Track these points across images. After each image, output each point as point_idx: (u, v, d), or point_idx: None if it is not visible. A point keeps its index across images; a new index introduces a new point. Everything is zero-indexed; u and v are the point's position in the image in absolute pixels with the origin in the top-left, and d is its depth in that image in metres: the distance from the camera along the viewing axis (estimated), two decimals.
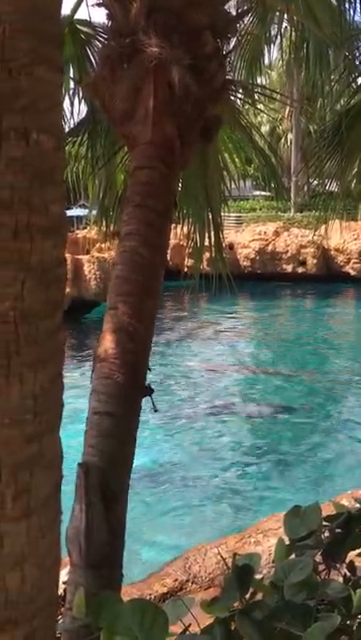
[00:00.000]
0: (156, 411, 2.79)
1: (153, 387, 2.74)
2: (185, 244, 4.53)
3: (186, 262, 15.70)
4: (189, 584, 5.29)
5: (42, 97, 0.88)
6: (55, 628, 1.12)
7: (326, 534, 1.73)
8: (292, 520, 1.82)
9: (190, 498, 8.06)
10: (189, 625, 1.67)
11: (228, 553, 5.42)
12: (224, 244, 4.41)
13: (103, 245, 18.59)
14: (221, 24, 2.83)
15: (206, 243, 4.24)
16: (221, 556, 4.81)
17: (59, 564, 1.10)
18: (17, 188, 0.87)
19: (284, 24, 4.48)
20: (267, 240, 23.08)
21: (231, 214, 23.22)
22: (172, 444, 9.82)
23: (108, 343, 2.57)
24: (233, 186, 4.61)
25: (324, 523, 1.74)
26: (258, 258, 23.27)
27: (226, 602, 1.67)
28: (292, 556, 1.73)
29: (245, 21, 3.94)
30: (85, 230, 20.01)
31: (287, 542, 1.77)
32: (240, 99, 3.68)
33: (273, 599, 1.64)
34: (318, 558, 1.69)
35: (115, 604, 1.63)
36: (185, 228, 4.26)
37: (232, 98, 3.35)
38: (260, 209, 26.69)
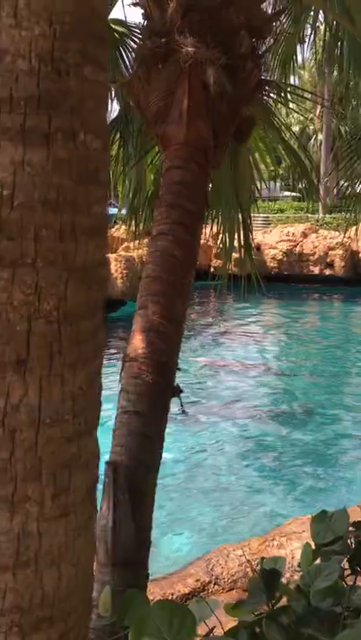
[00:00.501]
0: (184, 412, 2.79)
1: (182, 387, 2.74)
2: (212, 244, 4.54)
3: (212, 262, 15.69)
4: (212, 585, 5.28)
5: (89, 97, 0.88)
6: (89, 626, 1.12)
7: (353, 540, 1.70)
8: (318, 525, 1.80)
9: (210, 498, 8.03)
10: (214, 627, 1.66)
11: (250, 555, 5.39)
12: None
13: (130, 244, 18.67)
14: (257, 23, 2.81)
15: (234, 243, 4.23)
16: (247, 559, 4.78)
17: (92, 563, 1.10)
18: (63, 189, 0.87)
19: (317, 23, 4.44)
20: (294, 241, 22.89)
21: (259, 215, 23.08)
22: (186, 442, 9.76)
23: (137, 342, 2.58)
24: (261, 186, 4.59)
25: (351, 528, 1.71)
26: (285, 259, 23.10)
27: (252, 605, 1.66)
28: (318, 560, 1.72)
29: (280, 21, 3.91)
30: (113, 229, 20.10)
31: (313, 547, 1.75)
32: (273, 99, 3.66)
33: (299, 604, 1.63)
34: (345, 564, 1.67)
35: (140, 604, 1.63)
36: (213, 228, 4.25)
37: (265, 98, 3.33)
38: (288, 210, 26.50)
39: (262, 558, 1.95)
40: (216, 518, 7.38)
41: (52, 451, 0.94)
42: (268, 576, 1.72)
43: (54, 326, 0.91)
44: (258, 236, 22.10)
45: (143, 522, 2.44)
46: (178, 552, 6.53)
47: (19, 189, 0.84)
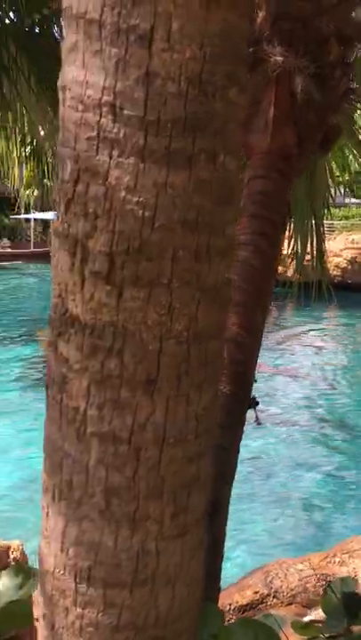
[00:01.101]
0: (259, 424, 2.76)
1: (258, 399, 2.71)
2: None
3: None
4: (270, 598, 5.20)
5: (231, 119, 0.87)
6: None
7: None
8: None
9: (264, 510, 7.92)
10: None
11: (311, 571, 5.29)
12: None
13: None
14: (348, 32, 2.75)
15: (306, 250, 4.18)
16: (319, 577, 4.69)
17: (203, 585, 1.10)
18: (202, 210, 0.87)
19: None
20: (359, 249, 22.34)
21: (324, 222, 22.57)
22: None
23: None
24: (336, 193, 4.52)
25: None
26: (349, 267, 22.57)
27: (333, 628, 1.62)
28: None
29: None
30: None
31: None
32: (357, 107, 3.57)
33: None
34: None
35: (215, 617, 1.62)
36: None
37: (351, 106, 3.26)
38: (353, 217, 25.86)
39: (341, 579, 1.90)
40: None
41: (175, 470, 0.93)
42: (350, 599, 1.68)
43: (184, 347, 0.91)
44: None
45: (218, 533, 2.42)
46: (234, 562, 6.49)
47: (160, 211, 0.84)
